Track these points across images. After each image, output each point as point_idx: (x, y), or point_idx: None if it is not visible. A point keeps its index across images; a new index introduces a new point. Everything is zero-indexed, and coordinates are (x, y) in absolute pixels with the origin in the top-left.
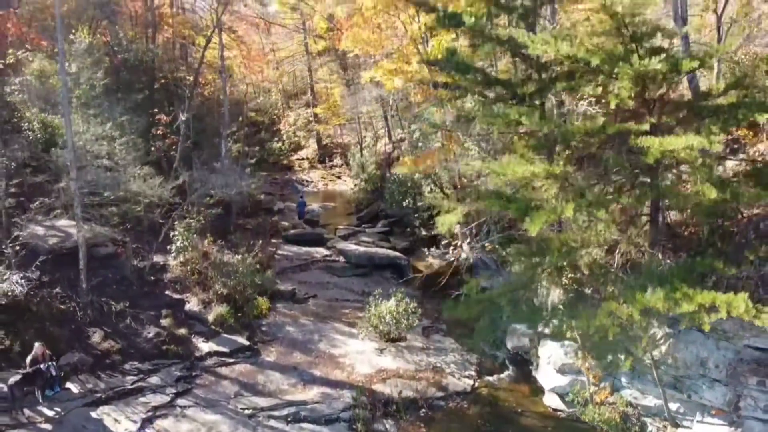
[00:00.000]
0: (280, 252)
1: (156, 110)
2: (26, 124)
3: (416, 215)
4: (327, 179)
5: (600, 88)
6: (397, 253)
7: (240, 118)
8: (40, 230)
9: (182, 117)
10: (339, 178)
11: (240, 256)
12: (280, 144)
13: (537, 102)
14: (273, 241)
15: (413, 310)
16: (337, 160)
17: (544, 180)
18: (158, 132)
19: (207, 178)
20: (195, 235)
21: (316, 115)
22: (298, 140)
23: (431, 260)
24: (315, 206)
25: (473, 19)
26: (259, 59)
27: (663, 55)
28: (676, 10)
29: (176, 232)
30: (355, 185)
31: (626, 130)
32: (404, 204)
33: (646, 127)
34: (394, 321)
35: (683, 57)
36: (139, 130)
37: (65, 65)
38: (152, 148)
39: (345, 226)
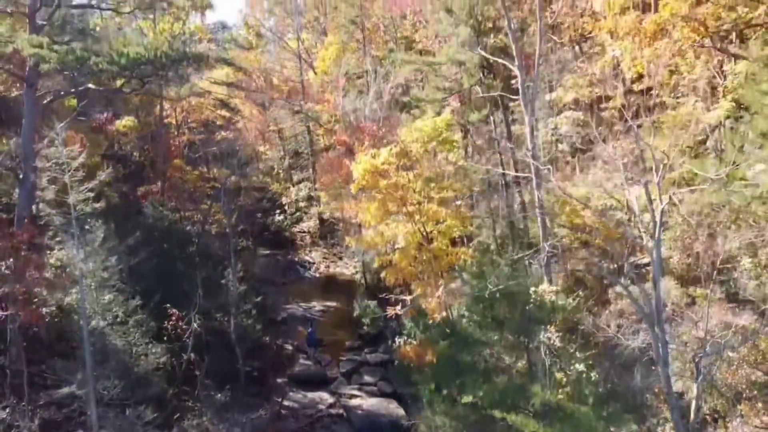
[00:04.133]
0: (286, 403)
1: (168, 305)
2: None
3: None
4: (328, 260)
5: None
6: (400, 410)
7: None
8: None
9: (194, 324)
10: (341, 259)
11: None
12: (282, 217)
13: None
14: (279, 381)
15: None
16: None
17: None
18: (170, 323)
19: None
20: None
21: (319, 198)
22: (299, 215)
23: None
24: (315, 308)
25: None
26: (263, 129)
27: None
28: (657, 352)
29: None
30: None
31: None
32: None
33: None
34: None
35: None
36: (153, 313)
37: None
38: (164, 338)
39: (347, 357)
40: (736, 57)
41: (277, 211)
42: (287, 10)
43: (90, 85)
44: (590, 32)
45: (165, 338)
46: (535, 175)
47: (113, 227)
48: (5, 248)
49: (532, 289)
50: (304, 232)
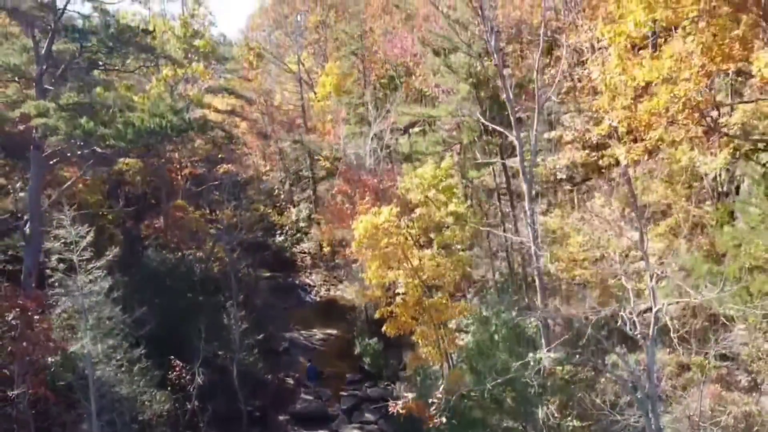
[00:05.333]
0: None
1: (172, 357)
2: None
3: None
4: (329, 282)
5: None
6: None
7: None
8: None
9: (199, 380)
10: (341, 282)
11: None
12: (282, 238)
13: None
14: (280, 418)
15: None
16: (340, 259)
17: None
18: (174, 374)
19: None
20: None
21: (318, 222)
22: (300, 236)
23: None
24: (316, 337)
25: None
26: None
27: None
28: None
29: None
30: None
31: None
32: None
33: None
34: None
35: None
36: (157, 361)
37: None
38: (168, 386)
39: (348, 392)
40: (727, 137)
41: (278, 231)
42: (287, 32)
43: (96, 148)
44: (589, 109)
45: (169, 387)
46: (535, 259)
47: (117, 273)
48: (12, 308)
49: (531, 355)
50: (304, 252)
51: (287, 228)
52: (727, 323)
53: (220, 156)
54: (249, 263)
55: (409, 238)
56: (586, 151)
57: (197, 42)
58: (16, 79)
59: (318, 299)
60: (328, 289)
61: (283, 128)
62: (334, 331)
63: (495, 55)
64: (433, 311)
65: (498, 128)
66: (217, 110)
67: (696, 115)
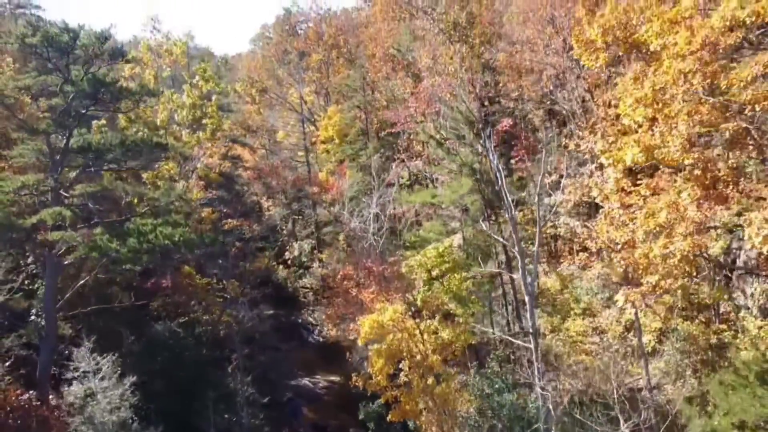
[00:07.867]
0: None
1: None
2: None
3: None
4: (331, 321)
5: None
6: None
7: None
8: None
9: None
10: (343, 320)
11: None
12: (285, 275)
13: None
14: None
15: None
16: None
17: None
18: None
19: None
20: None
21: (321, 260)
22: (302, 271)
23: None
24: (320, 385)
25: None
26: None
27: None
28: None
29: None
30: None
31: None
32: None
33: None
34: None
35: None
36: None
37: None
38: None
39: None
40: (720, 267)
41: (280, 266)
42: (290, 72)
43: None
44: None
45: None
46: (540, 395)
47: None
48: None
49: None
50: (307, 288)
51: (289, 261)
52: None
53: (225, 211)
54: (255, 324)
55: (415, 332)
56: (585, 254)
57: (205, 121)
58: (34, 192)
59: (321, 339)
60: (330, 329)
61: (286, 170)
62: (337, 378)
63: (498, 174)
64: (439, 399)
65: (500, 239)
66: (223, 156)
67: (691, 257)
